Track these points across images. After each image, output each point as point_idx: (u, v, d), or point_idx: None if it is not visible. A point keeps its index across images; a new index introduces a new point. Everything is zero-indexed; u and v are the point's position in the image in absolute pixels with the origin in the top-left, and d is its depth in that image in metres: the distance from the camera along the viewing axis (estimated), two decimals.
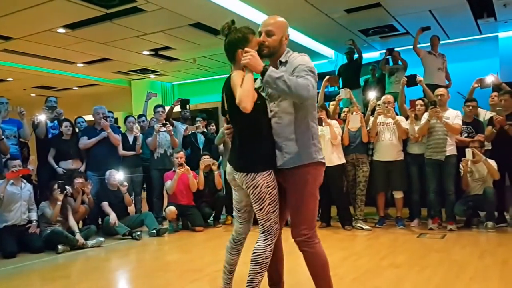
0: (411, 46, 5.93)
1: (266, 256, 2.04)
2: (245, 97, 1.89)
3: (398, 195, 4.74)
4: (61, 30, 5.98)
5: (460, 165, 4.45)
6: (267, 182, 1.99)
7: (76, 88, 10.33)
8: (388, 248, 3.81)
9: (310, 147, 2.01)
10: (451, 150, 4.40)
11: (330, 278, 2.08)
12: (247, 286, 2.04)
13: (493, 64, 6.76)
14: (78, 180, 4.60)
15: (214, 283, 2.84)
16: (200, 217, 5.05)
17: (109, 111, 5.69)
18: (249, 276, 2.05)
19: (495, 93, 4.84)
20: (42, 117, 5.01)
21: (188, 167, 4.97)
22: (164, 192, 5.36)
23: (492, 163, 4.36)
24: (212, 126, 5.93)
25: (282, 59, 2.08)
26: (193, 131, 5.74)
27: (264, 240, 2.06)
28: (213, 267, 3.31)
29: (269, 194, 2.00)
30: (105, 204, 4.73)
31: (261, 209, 2.03)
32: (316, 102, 2.08)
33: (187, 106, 6.16)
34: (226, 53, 2.09)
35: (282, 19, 2.11)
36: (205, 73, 9.09)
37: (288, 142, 2.01)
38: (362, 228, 4.60)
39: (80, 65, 8.08)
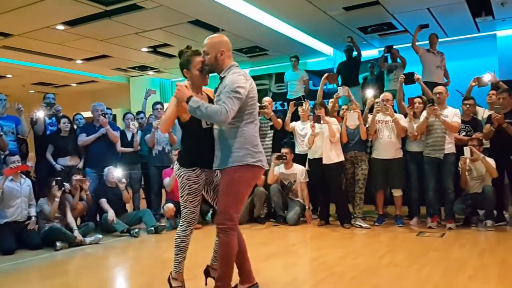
0: (410, 44, 5.92)
1: (181, 240, 2.47)
2: (162, 123, 2.55)
3: (397, 193, 4.74)
4: (60, 27, 5.96)
5: (459, 164, 4.45)
6: (188, 176, 2.40)
7: (75, 84, 10.30)
8: (387, 247, 3.81)
9: (240, 151, 2.26)
10: (449, 148, 4.39)
11: (232, 268, 2.35)
12: (173, 265, 2.52)
13: (492, 62, 6.76)
14: (76, 177, 4.59)
15: (211, 280, 2.84)
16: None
17: (107, 108, 5.67)
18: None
19: (493, 91, 4.85)
20: (40, 114, 4.99)
21: None
22: (162, 189, 5.35)
23: (491, 161, 4.36)
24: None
25: (222, 74, 2.36)
26: None
27: (181, 226, 2.47)
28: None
29: (188, 186, 2.40)
30: (103, 201, 4.72)
31: (181, 197, 2.44)
32: (254, 110, 2.34)
33: None
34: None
35: (216, 38, 2.39)
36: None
37: (221, 147, 2.33)
38: (361, 226, 4.60)
39: (79, 62, 8.05)
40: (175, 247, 2.49)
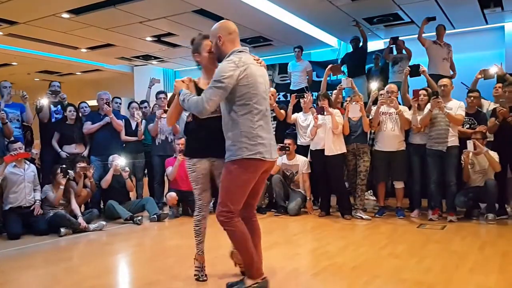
0: (416, 36, 5.86)
1: (195, 225, 2.63)
2: (167, 118, 2.75)
3: (399, 185, 4.74)
4: (66, 15, 5.95)
5: (462, 157, 4.44)
6: (188, 165, 2.53)
7: (79, 73, 10.32)
8: (387, 238, 3.83)
9: (235, 145, 2.23)
10: (453, 141, 4.37)
11: (251, 252, 2.35)
12: (196, 247, 2.66)
13: (499, 54, 6.68)
14: (80, 164, 4.64)
15: (214, 268, 2.88)
16: None
17: (116, 97, 5.71)
18: None
19: (499, 84, 4.80)
20: (44, 101, 5.03)
21: None
22: (165, 178, 5.39)
23: (494, 155, 4.34)
24: None
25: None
26: None
27: (194, 210, 2.65)
28: (213, 253, 3.34)
29: (189, 174, 2.53)
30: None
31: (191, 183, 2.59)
32: (252, 100, 2.23)
33: None
34: None
35: (216, 24, 2.37)
36: None
37: (225, 140, 2.31)
38: (362, 218, 4.62)
39: (84, 50, 8.06)
40: (193, 231, 2.67)
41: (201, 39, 2.47)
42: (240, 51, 2.27)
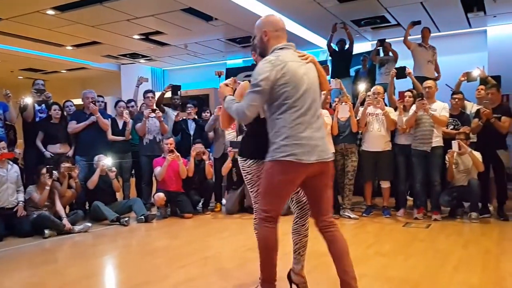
0: (402, 38, 5.95)
1: (304, 235, 2.46)
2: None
3: (385, 184, 4.81)
4: (51, 12, 5.84)
5: (446, 157, 4.53)
6: (242, 166, 2.35)
7: (65, 71, 10.13)
8: (374, 237, 3.89)
9: (272, 145, 2.11)
10: (437, 141, 4.47)
11: (269, 262, 2.23)
12: (296, 262, 2.48)
13: (481, 57, 6.83)
14: (65, 165, 4.56)
15: (202, 269, 2.87)
16: (189, 204, 5.05)
17: (99, 96, 5.61)
18: None
19: (482, 86, 4.92)
20: (28, 100, 4.92)
21: (178, 154, 4.96)
22: (153, 178, 5.35)
23: (478, 155, 4.44)
24: (207, 112, 5.88)
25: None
26: (184, 118, 5.70)
27: (294, 221, 2.44)
28: (201, 253, 3.34)
29: (244, 177, 2.37)
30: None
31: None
32: (290, 99, 2.05)
33: (178, 92, 6.11)
34: None
35: (263, 18, 2.24)
36: (196, 59, 9.01)
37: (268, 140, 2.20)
38: (350, 217, 4.67)
39: (69, 48, 7.91)
40: (297, 244, 2.51)
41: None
42: (280, 48, 2.13)
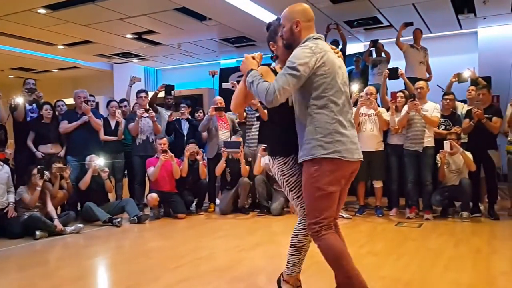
0: (394, 39, 6.00)
1: (298, 240, 2.14)
2: (232, 102, 2.15)
3: (378, 184, 4.85)
4: (42, 11, 5.78)
5: (438, 157, 4.58)
6: (283, 170, 2.07)
7: (56, 70, 10.03)
8: (367, 236, 3.91)
9: (310, 143, 1.93)
10: (429, 141, 4.51)
11: (347, 268, 2.01)
12: (286, 267, 2.23)
13: (472, 59, 6.92)
14: (56, 165, 4.51)
15: (195, 270, 2.87)
16: (182, 204, 5.04)
17: (90, 95, 5.56)
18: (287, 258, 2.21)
19: (472, 87, 4.99)
20: (19, 100, 4.86)
21: (172, 154, 4.94)
22: (146, 178, 5.32)
23: (469, 155, 4.50)
24: (200, 112, 5.87)
25: None
26: (177, 118, 5.68)
27: (299, 223, 2.13)
28: (195, 254, 3.33)
29: (286, 181, 2.08)
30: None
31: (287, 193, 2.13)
32: (329, 91, 1.91)
33: (172, 92, 6.08)
34: None
35: (292, 7, 2.08)
36: (190, 59, 8.99)
37: (299, 136, 2.00)
38: (343, 217, 4.68)
39: (61, 47, 7.84)
40: (291, 247, 2.18)
41: (278, 26, 2.09)
42: (316, 38, 1.99)
